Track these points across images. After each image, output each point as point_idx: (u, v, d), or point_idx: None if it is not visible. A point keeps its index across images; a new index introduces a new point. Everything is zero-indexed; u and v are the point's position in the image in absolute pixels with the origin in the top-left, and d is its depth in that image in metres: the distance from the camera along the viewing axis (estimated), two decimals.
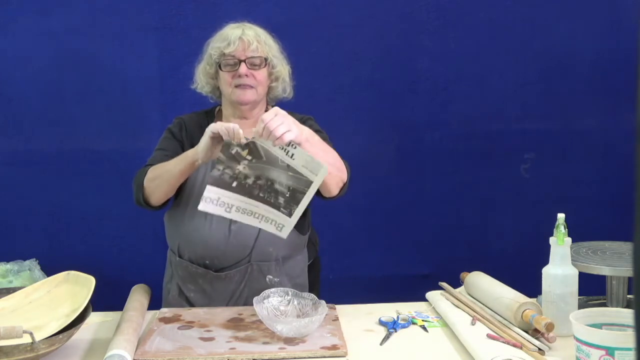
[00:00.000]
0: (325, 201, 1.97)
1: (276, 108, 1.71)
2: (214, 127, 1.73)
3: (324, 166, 1.69)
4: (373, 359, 1.60)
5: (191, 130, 2.05)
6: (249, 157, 1.71)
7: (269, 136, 1.66)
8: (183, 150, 2.00)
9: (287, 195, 1.72)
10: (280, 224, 1.74)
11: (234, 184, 1.71)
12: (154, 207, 1.98)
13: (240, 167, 1.71)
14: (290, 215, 1.73)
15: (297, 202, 1.72)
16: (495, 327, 1.69)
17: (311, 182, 1.71)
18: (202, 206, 1.70)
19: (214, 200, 1.71)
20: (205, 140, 1.77)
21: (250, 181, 1.72)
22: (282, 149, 1.69)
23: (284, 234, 1.75)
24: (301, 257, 2.08)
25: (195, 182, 1.99)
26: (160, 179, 1.92)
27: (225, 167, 1.70)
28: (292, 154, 1.70)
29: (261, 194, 1.72)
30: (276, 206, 1.73)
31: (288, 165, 1.71)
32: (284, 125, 1.66)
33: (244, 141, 1.70)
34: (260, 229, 1.93)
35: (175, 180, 1.91)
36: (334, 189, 1.90)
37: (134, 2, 2.76)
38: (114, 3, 2.76)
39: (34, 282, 2.15)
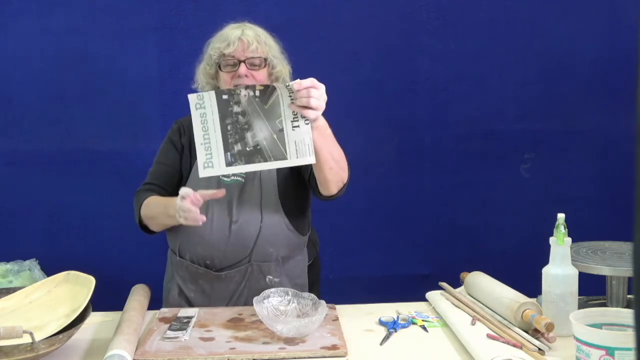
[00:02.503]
0: (324, 202, 1.97)
1: (323, 86, 1.72)
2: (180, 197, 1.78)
3: (312, 157, 1.69)
4: (373, 359, 1.61)
5: (190, 134, 2.05)
6: (257, 94, 1.69)
7: (301, 97, 1.66)
8: (182, 157, 2.03)
9: (248, 149, 1.69)
10: (210, 162, 1.70)
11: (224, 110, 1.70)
12: (156, 233, 2.05)
13: (242, 98, 1.69)
14: (228, 164, 1.69)
15: (248, 162, 1.69)
16: (495, 327, 1.69)
17: (285, 160, 1.69)
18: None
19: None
20: (178, 205, 1.79)
21: (234, 118, 1.70)
22: (294, 114, 1.68)
23: (203, 173, 1.71)
24: (301, 258, 2.08)
25: (195, 182, 1.99)
26: (154, 220, 1.99)
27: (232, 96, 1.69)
28: (297, 126, 1.68)
29: (229, 127, 1.69)
30: (227, 148, 1.70)
31: (281, 130, 1.69)
32: (320, 101, 1.69)
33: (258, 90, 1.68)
34: (260, 229, 1.94)
35: (165, 225, 1.99)
36: (333, 188, 1.89)
37: (134, 2, 2.76)
38: (114, 3, 2.76)
39: (34, 282, 2.15)
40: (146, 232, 2.05)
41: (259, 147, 1.70)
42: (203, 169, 1.71)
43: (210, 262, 1.98)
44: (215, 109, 1.69)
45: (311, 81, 1.69)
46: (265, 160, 1.70)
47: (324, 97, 1.71)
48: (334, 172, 1.85)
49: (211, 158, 1.70)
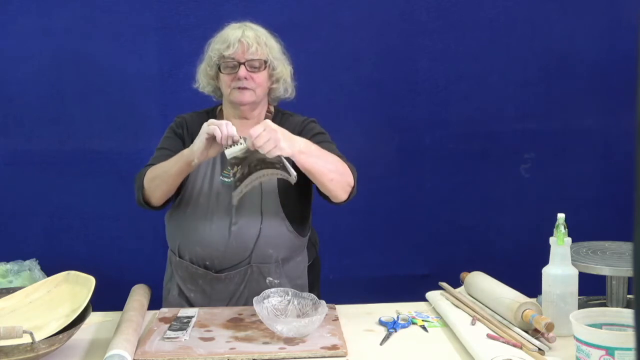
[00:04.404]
0: (323, 202, 1.97)
1: (265, 122, 1.73)
2: (208, 129, 1.75)
3: (293, 176, 1.71)
4: (373, 359, 1.61)
5: (192, 129, 2.05)
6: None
7: (257, 150, 1.69)
8: (185, 147, 2.00)
9: (246, 170, 1.74)
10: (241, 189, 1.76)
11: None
12: (155, 207, 1.99)
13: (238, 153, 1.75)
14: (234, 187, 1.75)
15: (250, 173, 1.73)
16: (495, 327, 1.69)
17: (287, 174, 1.72)
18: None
19: None
20: (200, 141, 1.78)
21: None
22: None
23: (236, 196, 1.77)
24: (301, 259, 2.08)
25: (195, 183, 1.99)
26: (159, 179, 1.92)
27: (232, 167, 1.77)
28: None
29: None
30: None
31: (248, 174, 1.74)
32: (270, 141, 1.69)
33: (237, 139, 1.73)
34: (260, 230, 1.94)
35: (173, 180, 1.92)
36: (341, 194, 1.89)
37: (134, 2, 2.76)
38: (114, 3, 2.76)
39: (34, 282, 2.15)
40: (147, 207, 1.99)
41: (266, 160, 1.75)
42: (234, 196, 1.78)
43: (210, 263, 1.98)
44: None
45: (251, 133, 1.70)
46: (270, 168, 1.75)
47: (271, 131, 1.70)
48: (336, 182, 1.85)
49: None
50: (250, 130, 1.71)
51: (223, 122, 1.75)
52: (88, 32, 2.76)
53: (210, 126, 1.75)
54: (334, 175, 1.84)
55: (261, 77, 1.98)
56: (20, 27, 2.74)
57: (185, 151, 1.86)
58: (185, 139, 2.04)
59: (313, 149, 1.82)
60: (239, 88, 1.97)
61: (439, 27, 2.84)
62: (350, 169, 1.91)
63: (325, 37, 2.83)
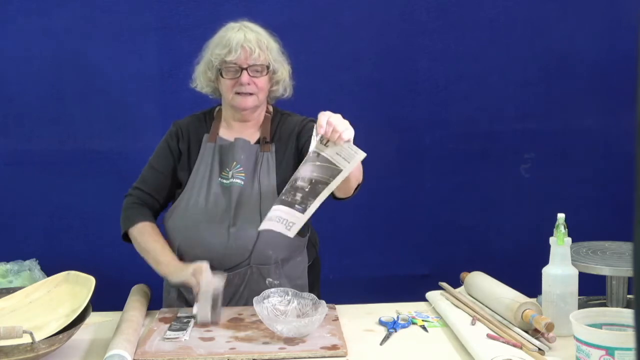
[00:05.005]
0: (333, 199, 1.96)
1: (329, 112, 1.72)
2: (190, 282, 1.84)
3: (361, 152, 1.69)
4: (373, 359, 1.61)
5: (188, 138, 2.05)
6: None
7: (331, 132, 1.66)
8: (179, 163, 2.03)
9: (307, 189, 1.70)
10: (290, 223, 1.72)
11: None
12: None
13: None
14: (304, 211, 1.71)
15: (316, 195, 1.70)
16: (495, 327, 1.69)
17: (340, 171, 1.69)
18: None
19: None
20: (183, 278, 1.86)
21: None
22: (316, 135, 1.69)
23: (292, 232, 1.74)
24: (301, 259, 2.08)
25: (194, 184, 1.99)
26: (140, 251, 2.01)
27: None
28: (327, 142, 1.69)
29: (283, 197, 1.73)
30: (291, 204, 1.71)
31: (318, 154, 1.70)
32: (343, 123, 1.69)
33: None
34: (259, 231, 1.94)
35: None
36: (351, 191, 1.89)
37: (134, 2, 2.76)
38: (114, 3, 2.76)
39: (34, 282, 2.15)
40: (127, 242, 2.05)
41: (313, 180, 1.71)
42: (289, 231, 1.73)
43: (210, 264, 1.97)
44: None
45: (323, 117, 1.69)
46: (327, 183, 1.71)
47: (340, 116, 1.71)
48: (357, 179, 1.85)
49: (287, 220, 1.73)
50: (329, 119, 1.68)
51: (202, 282, 1.80)
52: (88, 32, 2.76)
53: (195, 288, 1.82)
54: (357, 171, 1.83)
55: (263, 81, 1.98)
56: (20, 27, 2.74)
57: (162, 267, 1.92)
58: (181, 151, 2.05)
59: None
60: (242, 93, 1.96)
61: (439, 27, 2.84)
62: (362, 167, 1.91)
63: (325, 37, 2.83)
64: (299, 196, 1.71)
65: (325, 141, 1.69)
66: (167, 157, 2.05)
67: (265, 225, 1.75)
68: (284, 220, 1.72)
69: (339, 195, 1.90)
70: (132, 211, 2.03)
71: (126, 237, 2.05)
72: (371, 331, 1.76)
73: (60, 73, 2.78)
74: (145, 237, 1.99)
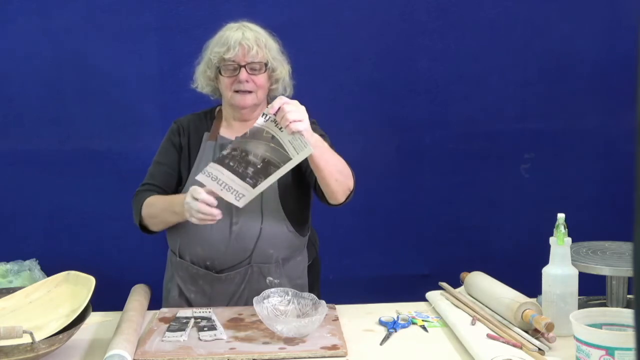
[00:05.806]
0: (326, 205, 1.97)
1: (296, 101, 1.74)
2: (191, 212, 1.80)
3: (309, 147, 1.71)
4: (373, 359, 1.61)
5: (188, 134, 2.06)
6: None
7: (281, 118, 1.69)
8: (181, 157, 2.03)
9: (259, 166, 1.74)
10: (240, 194, 1.76)
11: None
12: (155, 233, 2.05)
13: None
14: (254, 186, 1.75)
15: (267, 175, 1.74)
16: (495, 327, 1.69)
17: (290, 159, 1.72)
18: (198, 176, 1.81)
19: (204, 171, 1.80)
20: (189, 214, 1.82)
21: (225, 152, 1.78)
22: (274, 121, 1.72)
23: (241, 204, 1.77)
24: (301, 258, 2.08)
25: (195, 183, 1.99)
26: (157, 219, 1.99)
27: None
28: (281, 128, 1.72)
29: (231, 163, 1.76)
30: (243, 176, 1.75)
31: (272, 137, 1.73)
32: (298, 113, 1.70)
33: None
34: (261, 230, 1.94)
35: (174, 222, 1.97)
36: (340, 197, 1.90)
37: (134, 2, 2.76)
38: (114, 3, 2.75)
39: (34, 282, 2.15)
40: (146, 232, 2.05)
41: (266, 159, 1.75)
42: (238, 202, 1.76)
43: (211, 263, 1.98)
44: (211, 161, 1.84)
45: (279, 100, 1.72)
46: (278, 167, 1.74)
47: (301, 108, 1.72)
48: (340, 183, 1.86)
49: (238, 192, 1.76)
50: (282, 97, 1.73)
51: (198, 206, 1.77)
52: (88, 32, 2.76)
53: (192, 217, 1.79)
54: (339, 176, 1.85)
55: (262, 79, 1.98)
56: (20, 27, 2.74)
57: (177, 207, 1.88)
58: (182, 145, 2.05)
59: (325, 146, 1.83)
60: (240, 92, 1.97)
61: (439, 27, 2.84)
62: (352, 173, 1.91)
63: (325, 37, 2.83)
64: (250, 170, 1.75)
65: (279, 125, 1.72)
66: (171, 152, 2.06)
67: (211, 186, 1.77)
68: (234, 190, 1.76)
69: (329, 200, 1.91)
70: (139, 197, 2.03)
71: (144, 229, 2.04)
72: (371, 331, 1.76)
73: (60, 73, 2.78)
74: (155, 202, 1.98)
